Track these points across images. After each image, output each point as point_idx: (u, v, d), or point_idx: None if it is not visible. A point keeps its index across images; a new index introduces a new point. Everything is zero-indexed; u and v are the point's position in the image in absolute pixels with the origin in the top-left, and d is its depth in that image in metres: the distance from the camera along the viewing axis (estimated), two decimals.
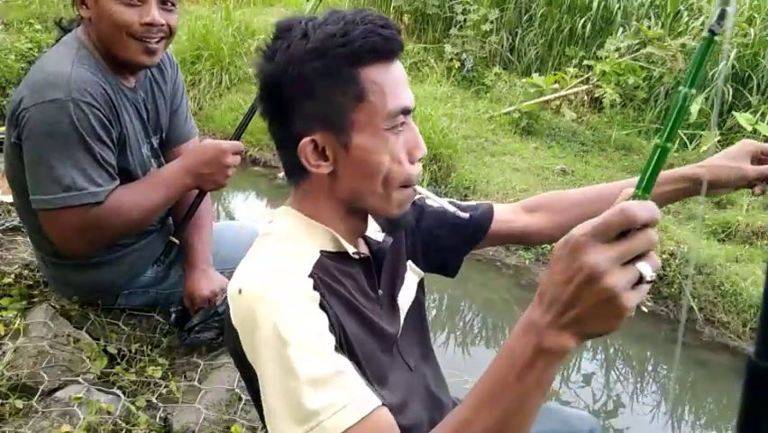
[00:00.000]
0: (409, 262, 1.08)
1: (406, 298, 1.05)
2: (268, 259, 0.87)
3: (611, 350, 3.27)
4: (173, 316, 1.63)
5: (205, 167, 1.51)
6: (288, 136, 0.87)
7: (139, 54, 1.47)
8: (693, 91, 0.57)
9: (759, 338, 0.54)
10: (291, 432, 0.73)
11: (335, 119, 0.84)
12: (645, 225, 0.55)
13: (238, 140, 1.59)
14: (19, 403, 1.36)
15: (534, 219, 1.16)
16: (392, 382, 0.93)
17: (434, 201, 1.02)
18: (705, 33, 0.56)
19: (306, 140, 0.84)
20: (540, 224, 1.16)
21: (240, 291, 0.81)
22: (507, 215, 1.15)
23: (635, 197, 0.58)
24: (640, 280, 0.56)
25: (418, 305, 1.08)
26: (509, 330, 3.45)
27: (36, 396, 1.39)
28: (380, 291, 0.98)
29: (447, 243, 1.12)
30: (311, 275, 0.84)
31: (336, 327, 0.82)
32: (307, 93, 0.83)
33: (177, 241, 1.67)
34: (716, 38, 0.56)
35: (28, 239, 1.77)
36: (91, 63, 1.46)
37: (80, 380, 1.45)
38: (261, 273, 0.83)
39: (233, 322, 0.83)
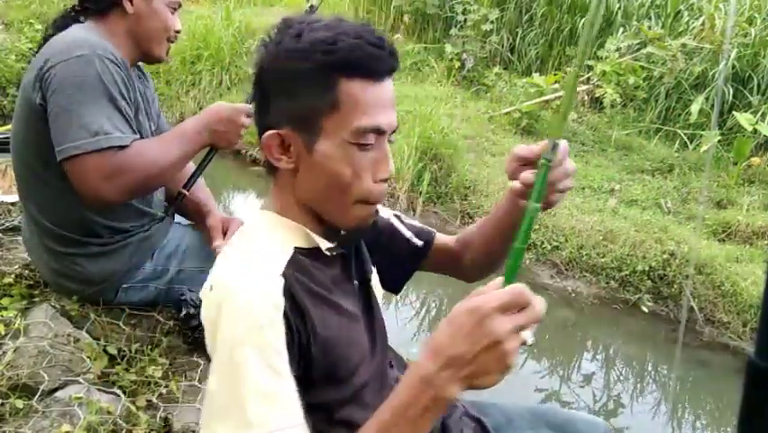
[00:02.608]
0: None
1: (377, 285, 1.07)
2: (241, 258, 0.87)
3: (611, 350, 3.27)
4: (184, 312, 1.63)
5: (220, 124, 1.60)
6: (262, 126, 0.90)
7: (165, 53, 1.70)
8: (538, 205, 0.76)
9: (759, 338, 0.54)
10: None
11: (306, 120, 0.86)
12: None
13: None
14: (19, 403, 1.36)
15: (463, 255, 1.16)
16: (371, 370, 0.95)
17: (384, 213, 1.11)
18: (541, 161, 0.77)
19: (271, 132, 0.87)
20: (465, 261, 1.15)
21: (211, 288, 0.84)
22: (446, 243, 1.16)
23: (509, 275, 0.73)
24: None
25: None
26: None
27: (36, 396, 1.39)
28: (356, 282, 0.99)
29: (396, 259, 1.13)
30: (283, 274, 0.85)
31: (302, 334, 0.84)
32: (286, 89, 0.86)
33: (186, 192, 1.73)
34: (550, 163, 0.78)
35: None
36: (105, 39, 1.57)
37: (80, 380, 1.45)
38: (233, 273, 0.84)
39: (202, 317, 0.85)
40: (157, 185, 1.65)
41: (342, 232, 0.94)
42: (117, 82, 1.49)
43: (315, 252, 0.91)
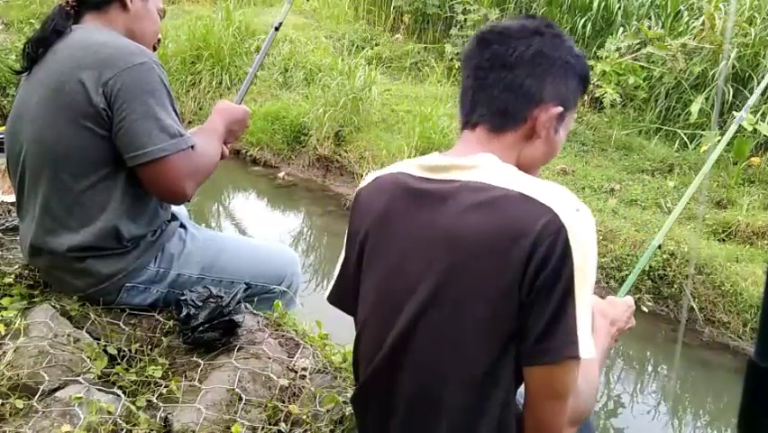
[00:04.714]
0: None
1: None
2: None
3: (611, 350, 3.27)
4: (184, 312, 1.63)
5: (235, 124, 1.79)
6: (529, 90, 1.06)
7: None
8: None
9: (759, 338, 0.54)
10: (587, 342, 0.93)
11: (565, 107, 1.09)
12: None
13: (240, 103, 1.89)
14: (19, 403, 1.36)
15: None
16: None
17: None
18: (655, 244, 1.43)
19: (559, 108, 1.07)
20: None
21: (578, 210, 0.95)
22: None
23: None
24: None
25: None
26: None
27: (36, 396, 1.39)
28: None
29: None
30: None
31: None
32: (565, 77, 1.09)
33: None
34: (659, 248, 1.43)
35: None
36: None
37: (80, 380, 1.45)
38: (581, 204, 0.97)
39: (578, 235, 0.92)
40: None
41: None
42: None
43: None
